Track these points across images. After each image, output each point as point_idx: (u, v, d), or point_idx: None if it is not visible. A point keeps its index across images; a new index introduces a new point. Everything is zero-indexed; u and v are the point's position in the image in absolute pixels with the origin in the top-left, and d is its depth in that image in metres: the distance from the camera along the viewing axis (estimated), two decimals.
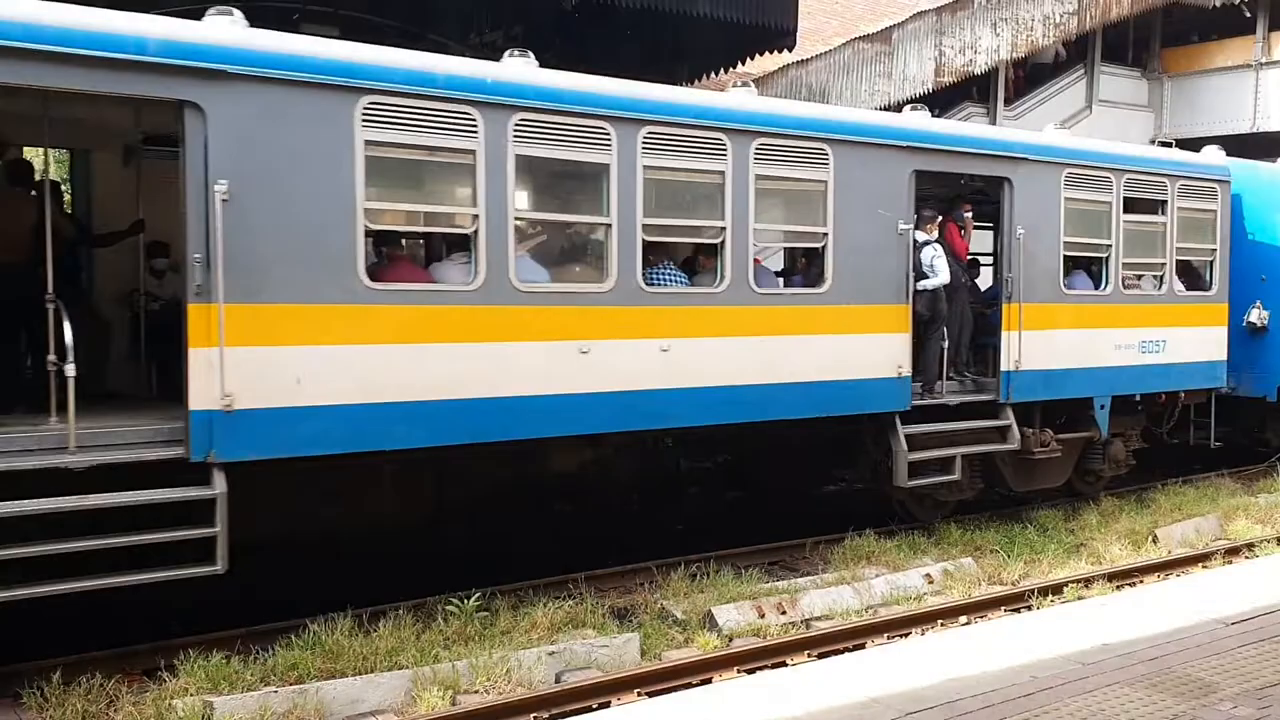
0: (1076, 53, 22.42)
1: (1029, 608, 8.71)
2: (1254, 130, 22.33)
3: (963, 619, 8.59)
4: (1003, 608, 8.92)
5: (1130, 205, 12.07)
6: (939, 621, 8.57)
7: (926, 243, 10.50)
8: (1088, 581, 9.52)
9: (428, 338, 7.65)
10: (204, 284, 6.79)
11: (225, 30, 7.07)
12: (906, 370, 10.16)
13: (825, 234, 9.63)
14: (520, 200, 7.99)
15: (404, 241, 8.66)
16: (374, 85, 7.34)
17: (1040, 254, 11.13)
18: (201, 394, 6.83)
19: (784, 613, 8.61)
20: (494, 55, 8.67)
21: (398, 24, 12.77)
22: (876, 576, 9.50)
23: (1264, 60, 22.81)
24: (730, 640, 8.12)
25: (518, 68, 8.25)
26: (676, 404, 8.82)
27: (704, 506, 12.05)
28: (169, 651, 7.29)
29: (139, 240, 8.98)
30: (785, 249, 11.75)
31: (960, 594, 9.31)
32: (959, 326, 11.02)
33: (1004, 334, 10.91)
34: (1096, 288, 12.01)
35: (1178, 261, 12.76)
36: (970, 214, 11.55)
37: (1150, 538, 11.29)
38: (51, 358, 6.81)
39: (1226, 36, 23.38)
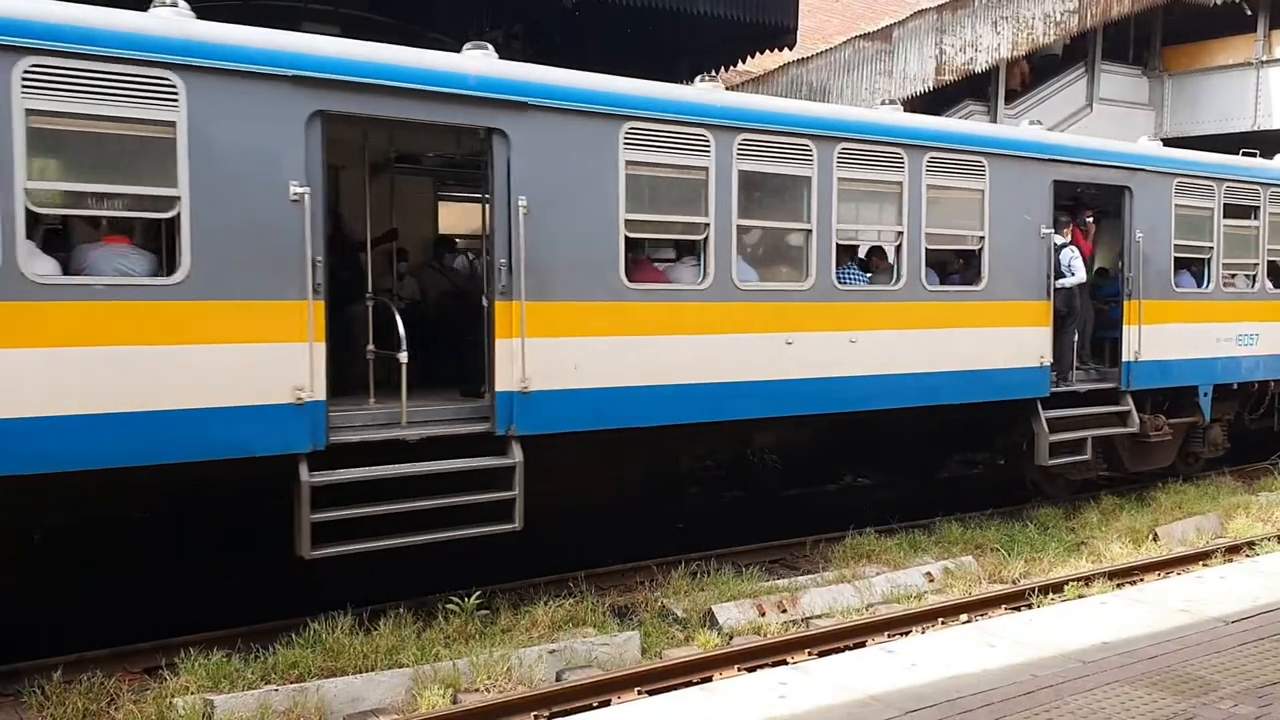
0: (1077, 50, 22.39)
1: (1029, 606, 8.69)
2: (1255, 129, 22.30)
3: (963, 617, 8.58)
4: (1003, 606, 8.91)
5: (1227, 210, 13.28)
6: (940, 620, 8.56)
7: (1064, 245, 11.63)
8: (1088, 580, 9.51)
9: (670, 330, 8.87)
10: (508, 285, 7.97)
11: (527, 67, 8.40)
12: (1048, 360, 11.32)
13: (982, 237, 10.80)
14: (741, 209, 9.11)
15: (644, 246, 9.62)
16: (633, 112, 8.55)
17: (1155, 255, 12.36)
18: (505, 378, 8.02)
19: (784, 611, 8.61)
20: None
21: (398, 22, 12.75)
22: (877, 575, 9.50)
23: (1265, 58, 22.77)
24: (731, 638, 8.12)
25: (738, 94, 9.60)
26: (863, 390, 9.98)
27: (704, 505, 12.07)
28: (169, 650, 7.30)
29: (390, 246, 10.00)
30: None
31: (961, 592, 9.31)
32: (1084, 321, 12.14)
33: (1125, 328, 12.12)
34: (1198, 286, 13.14)
35: (1268, 261, 13.97)
36: (1092, 219, 12.69)
37: (1151, 536, 11.29)
38: (371, 347, 8.21)
39: (1227, 35, 23.35)
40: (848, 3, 22.45)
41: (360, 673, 6.98)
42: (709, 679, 7.12)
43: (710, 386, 9.04)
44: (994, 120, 19.78)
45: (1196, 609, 7.40)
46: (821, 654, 7.53)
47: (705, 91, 9.28)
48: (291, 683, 6.80)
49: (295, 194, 7.08)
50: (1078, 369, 11.99)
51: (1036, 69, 21.85)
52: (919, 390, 10.37)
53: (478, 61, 8.07)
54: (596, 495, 9.65)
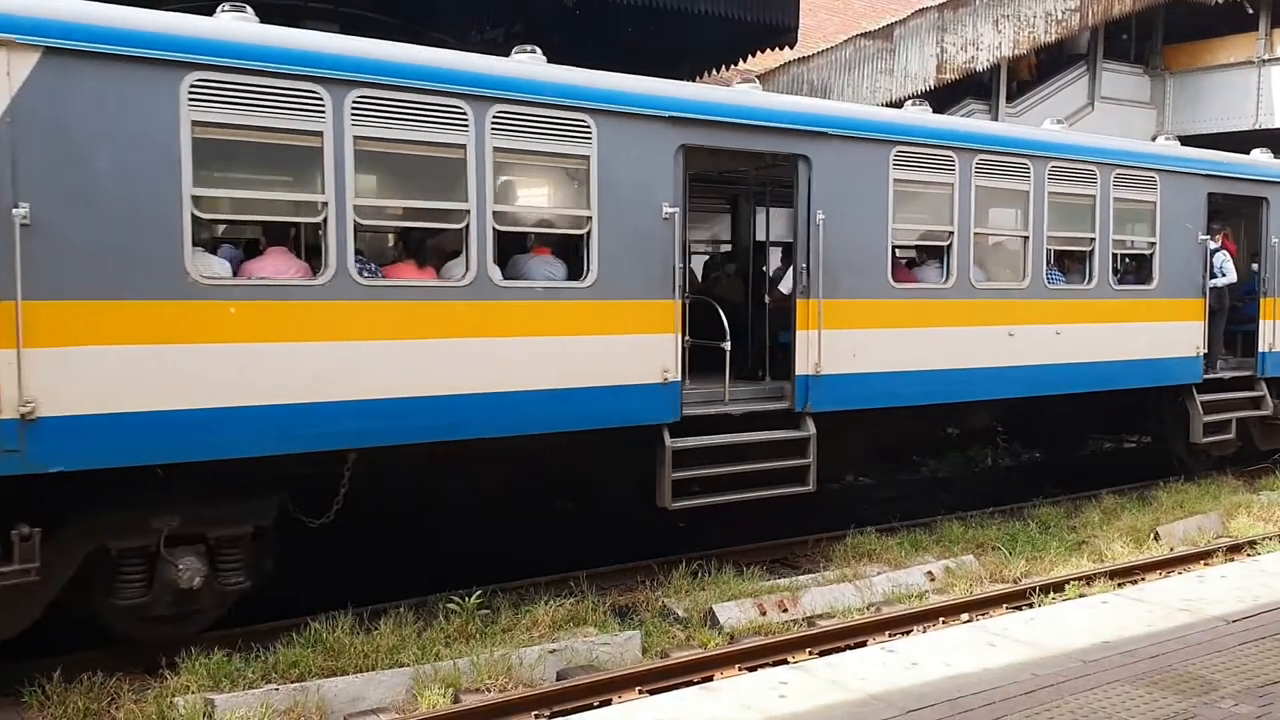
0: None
1: (1031, 605, 8.67)
2: (1256, 127, 22.26)
3: (964, 616, 8.57)
4: (1004, 605, 8.90)
5: None
6: (941, 619, 8.56)
7: (1217, 249, 13.13)
8: (1089, 579, 9.50)
9: (923, 323, 10.32)
10: (807, 285, 9.44)
11: (825, 102, 10.05)
12: (1202, 350, 12.95)
13: (1153, 242, 12.46)
14: (977, 219, 10.70)
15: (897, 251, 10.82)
16: (900, 138, 10.03)
17: None
18: (803, 363, 9.49)
19: (785, 610, 8.61)
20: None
21: (399, 21, 12.74)
22: (878, 574, 9.50)
23: (1266, 57, 22.74)
24: (732, 638, 8.12)
25: (975, 121, 11.06)
26: (1066, 375, 11.55)
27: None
28: (170, 649, 7.29)
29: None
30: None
31: (962, 591, 9.31)
32: (1224, 316, 13.56)
33: (1262, 322, 13.72)
34: None
35: None
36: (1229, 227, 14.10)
37: (1152, 535, 11.28)
38: (687, 337, 9.18)
39: (1228, 33, 23.32)
40: (848, 1, 22.42)
41: (361, 672, 6.99)
42: (710, 678, 7.12)
43: (954, 372, 10.54)
44: (995, 118, 19.76)
45: (1197, 608, 7.39)
46: (822, 653, 7.52)
47: (952, 119, 11.07)
48: (292, 682, 6.80)
49: (666, 213, 8.59)
50: (1221, 358, 13.45)
51: (1044, 62, 21.80)
52: (1106, 375, 12.00)
53: (790, 99, 9.70)
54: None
